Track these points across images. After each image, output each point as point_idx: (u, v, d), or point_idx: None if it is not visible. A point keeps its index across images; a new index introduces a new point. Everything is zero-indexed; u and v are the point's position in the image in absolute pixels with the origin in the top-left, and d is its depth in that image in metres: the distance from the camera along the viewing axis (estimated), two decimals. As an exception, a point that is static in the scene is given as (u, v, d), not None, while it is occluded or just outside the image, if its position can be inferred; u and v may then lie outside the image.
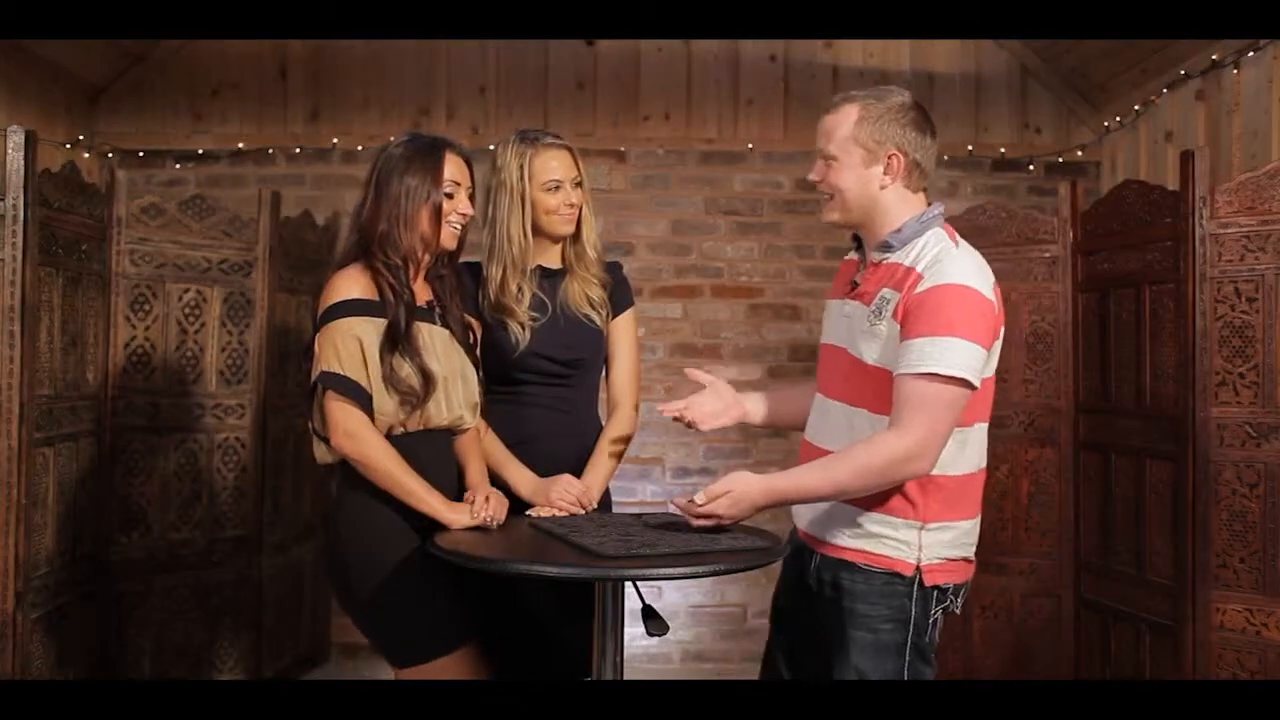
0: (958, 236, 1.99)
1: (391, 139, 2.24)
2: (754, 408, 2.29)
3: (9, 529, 2.79)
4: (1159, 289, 3.06)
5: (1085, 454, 3.38)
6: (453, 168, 2.18)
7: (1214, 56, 3.58)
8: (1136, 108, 4.08)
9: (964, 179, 4.47)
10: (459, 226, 2.20)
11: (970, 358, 1.84)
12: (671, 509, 2.03)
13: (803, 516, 2.08)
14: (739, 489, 1.88)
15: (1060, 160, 4.45)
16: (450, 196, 2.16)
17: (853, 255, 2.12)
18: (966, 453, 1.96)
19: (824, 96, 4.39)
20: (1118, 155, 4.32)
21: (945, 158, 4.46)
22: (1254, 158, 3.38)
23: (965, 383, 1.85)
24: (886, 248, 1.98)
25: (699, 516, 1.92)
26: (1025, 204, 4.16)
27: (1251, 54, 3.41)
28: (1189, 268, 2.91)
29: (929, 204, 2.02)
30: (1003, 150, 4.46)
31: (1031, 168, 4.46)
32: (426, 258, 2.20)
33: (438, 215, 2.15)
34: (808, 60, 4.47)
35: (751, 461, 4.36)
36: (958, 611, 2.01)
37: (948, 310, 1.85)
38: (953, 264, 1.89)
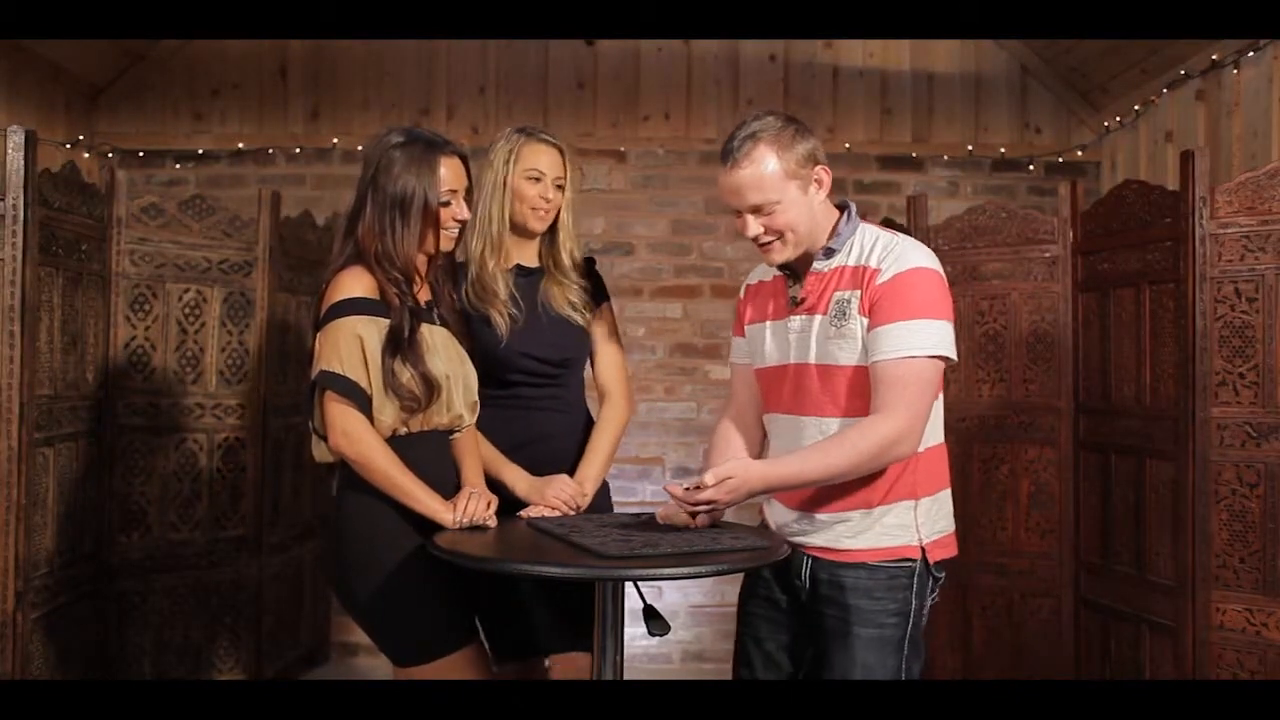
0: (885, 226, 2.07)
1: (388, 132, 2.18)
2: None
3: (9, 529, 2.79)
4: (1159, 289, 3.06)
5: (1085, 454, 3.38)
6: (449, 173, 2.14)
7: (1214, 56, 3.58)
8: (1136, 108, 4.09)
9: (964, 179, 4.48)
10: (456, 232, 2.19)
11: (944, 335, 1.92)
12: (669, 502, 2.00)
13: (785, 522, 2.07)
14: (739, 474, 1.89)
15: (1060, 160, 4.45)
16: (446, 204, 2.14)
17: (765, 278, 2.15)
18: (934, 425, 2.01)
19: (824, 96, 4.45)
20: (1118, 155, 4.32)
21: (945, 158, 4.47)
22: (1254, 158, 3.38)
23: (943, 359, 1.92)
24: (829, 254, 2.00)
25: (697, 503, 1.91)
26: (1025, 204, 4.17)
27: (1251, 54, 3.41)
28: (1189, 268, 2.91)
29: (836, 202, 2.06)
30: (1003, 150, 4.46)
31: (1031, 168, 4.46)
32: (425, 263, 2.20)
33: (435, 223, 2.14)
34: (808, 60, 4.47)
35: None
36: (936, 600, 2.06)
37: (916, 294, 1.91)
38: (906, 252, 1.95)
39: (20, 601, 2.82)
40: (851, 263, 1.97)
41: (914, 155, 4.44)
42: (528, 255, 2.41)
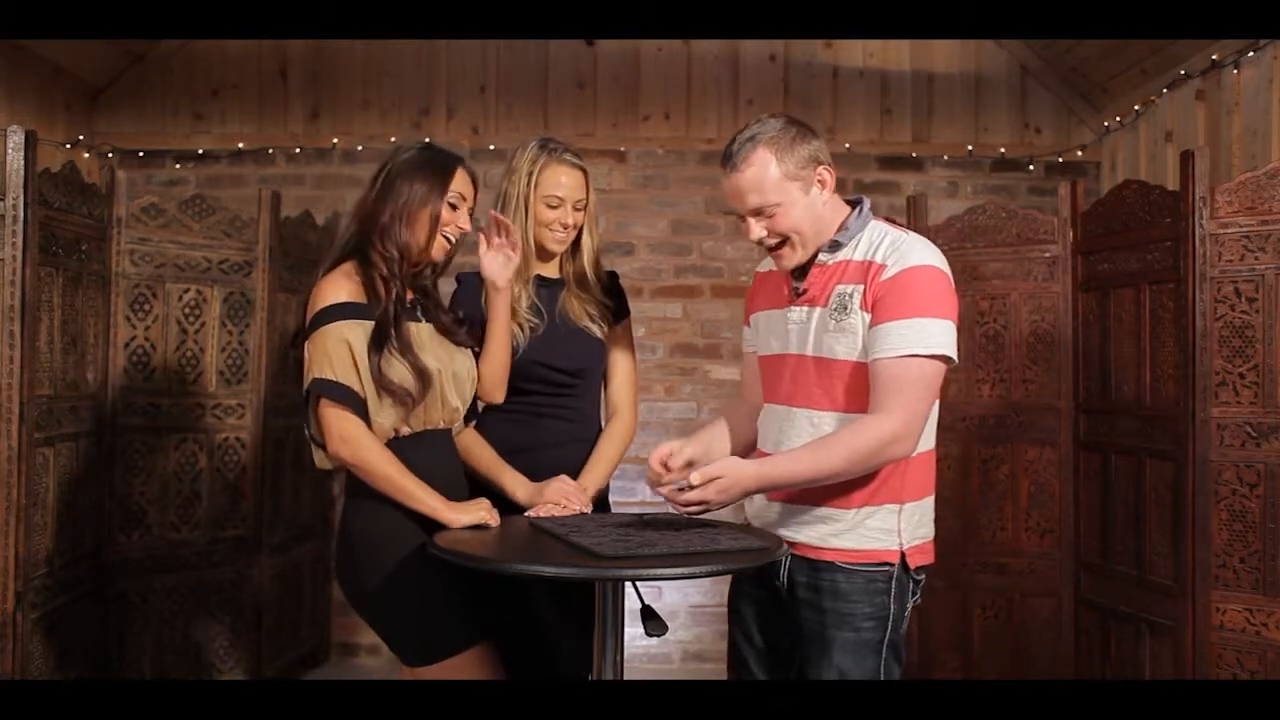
0: (898, 224, 2.03)
1: (402, 143, 2.21)
2: (720, 448, 2.21)
3: (9, 529, 2.80)
4: (1159, 289, 3.06)
5: (1085, 454, 3.38)
6: (461, 182, 2.19)
7: (1214, 56, 3.58)
8: (1136, 108, 4.08)
9: (964, 179, 4.47)
10: (453, 240, 2.21)
11: (946, 335, 1.89)
12: (666, 504, 2.00)
13: (768, 519, 2.07)
14: (731, 474, 1.88)
15: (1060, 160, 4.45)
16: (454, 208, 2.17)
17: (774, 266, 2.11)
18: (928, 430, 2.00)
19: (824, 96, 4.45)
20: (1118, 155, 4.32)
21: (945, 158, 4.46)
22: (1254, 158, 3.38)
23: (945, 359, 1.90)
24: (835, 247, 1.99)
25: (688, 502, 1.90)
26: (1025, 204, 4.16)
27: (1251, 54, 3.41)
28: (1189, 268, 2.91)
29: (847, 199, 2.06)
30: (1003, 150, 4.46)
31: (1031, 168, 4.46)
32: (414, 262, 2.19)
33: (436, 222, 2.15)
34: (808, 60, 4.47)
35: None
36: (920, 603, 2.04)
37: (920, 292, 1.89)
38: (913, 249, 1.93)
39: (20, 601, 2.82)
40: (858, 257, 1.96)
41: (914, 155, 4.44)
42: (548, 268, 2.43)
